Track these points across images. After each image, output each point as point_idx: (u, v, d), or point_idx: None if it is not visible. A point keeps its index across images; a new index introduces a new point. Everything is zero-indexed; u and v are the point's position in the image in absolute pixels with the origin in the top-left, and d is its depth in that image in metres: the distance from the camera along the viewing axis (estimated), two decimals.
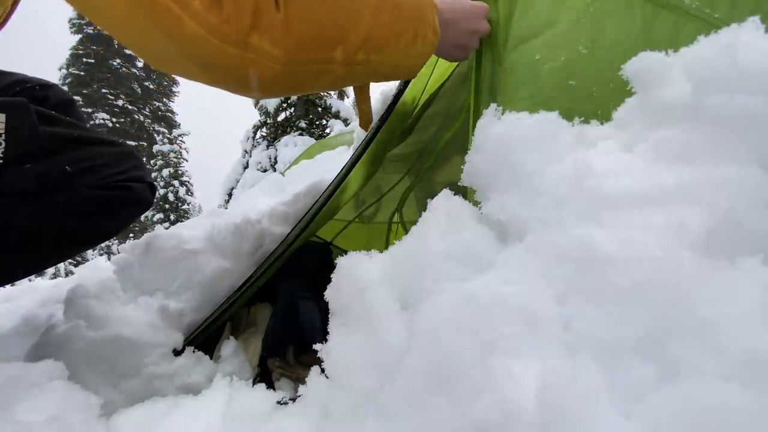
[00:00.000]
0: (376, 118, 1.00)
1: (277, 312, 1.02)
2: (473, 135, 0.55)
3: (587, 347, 0.34)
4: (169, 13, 0.50)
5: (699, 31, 0.48)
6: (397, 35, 0.68)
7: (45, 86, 0.93)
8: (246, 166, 12.10)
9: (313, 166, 1.90)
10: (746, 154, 0.38)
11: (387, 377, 0.43)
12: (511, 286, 0.39)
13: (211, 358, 1.01)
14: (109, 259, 1.21)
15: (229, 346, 1.01)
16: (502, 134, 0.50)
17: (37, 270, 0.90)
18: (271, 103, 11.98)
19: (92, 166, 0.85)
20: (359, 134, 1.09)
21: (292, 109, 12.26)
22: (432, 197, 0.55)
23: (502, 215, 0.48)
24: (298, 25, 0.57)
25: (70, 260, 9.89)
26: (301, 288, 1.03)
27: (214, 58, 0.54)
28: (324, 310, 0.74)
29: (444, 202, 0.53)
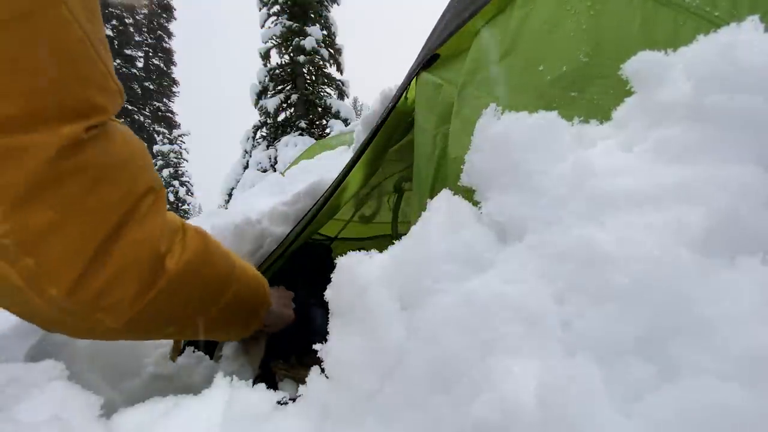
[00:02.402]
0: (376, 118, 1.00)
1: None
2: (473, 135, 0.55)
3: (587, 347, 0.34)
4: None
5: (699, 30, 0.47)
6: (231, 325, 0.84)
7: None
8: (246, 167, 12.11)
9: (313, 166, 1.90)
10: (746, 154, 0.38)
11: (387, 377, 0.43)
12: (510, 285, 0.39)
13: (211, 358, 1.01)
14: None
15: (230, 346, 1.01)
16: (501, 134, 0.50)
17: None
18: (271, 103, 11.98)
19: None
20: (359, 134, 1.09)
21: (292, 109, 12.27)
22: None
23: (502, 215, 0.48)
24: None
25: None
26: (310, 294, 1.04)
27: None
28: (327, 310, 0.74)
29: (444, 202, 0.53)
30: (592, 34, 0.60)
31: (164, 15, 25.36)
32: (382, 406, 0.42)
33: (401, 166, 1.32)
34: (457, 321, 0.39)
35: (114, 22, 22.85)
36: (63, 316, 0.56)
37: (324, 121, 12.25)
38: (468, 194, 0.54)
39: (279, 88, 12.37)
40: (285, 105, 12.17)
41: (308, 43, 11.81)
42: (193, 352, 0.98)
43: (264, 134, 12.49)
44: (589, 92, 0.58)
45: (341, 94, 12.88)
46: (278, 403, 0.53)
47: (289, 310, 0.98)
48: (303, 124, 12.02)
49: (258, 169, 11.29)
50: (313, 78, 12.57)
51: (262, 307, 0.88)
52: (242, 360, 1.00)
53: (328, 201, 1.03)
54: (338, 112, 12.07)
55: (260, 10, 12.38)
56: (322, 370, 0.49)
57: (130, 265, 0.58)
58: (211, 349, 1.04)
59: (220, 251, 0.76)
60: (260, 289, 0.86)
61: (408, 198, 1.43)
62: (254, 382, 0.55)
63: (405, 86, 0.91)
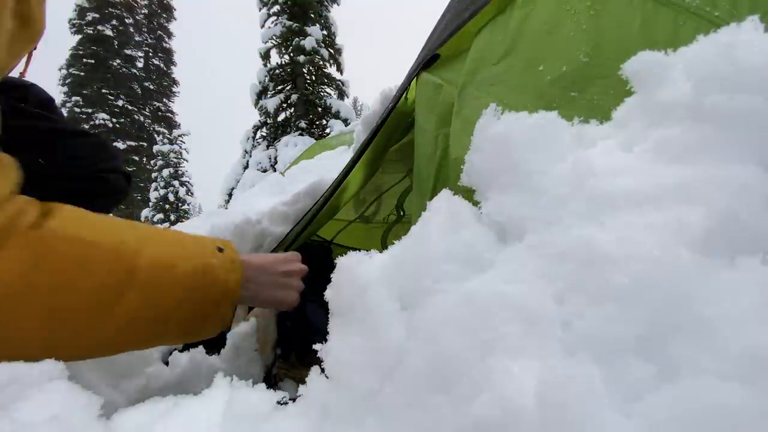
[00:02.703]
0: (376, 118, 1.00)
1: (285, 315, 1.01)
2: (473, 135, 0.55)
3: (586, 346, 0.34)
4: None
5: (699, 30, 0.47)
6: (153, 340, 0.63)
7: (23, 87, 0.92)
8: (246, 167, 12.11)
9: (313, 166, 1.90)
10: (746, 154, 0.38)
11: (387, 377, 0.43)
12: (510, 285, 0.40)
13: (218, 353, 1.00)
14: None
15: (245, 325, 0.95)
16: (501, 134, 0.50)
17: None
18: (271, 103, 11.99)
19: (67, 157, 0.84)
20: (359, 134, 1.09)
21: (292, 109, 12.27)
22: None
23: (502, 215, 0.48)
24: None
25: None
26: (304, 288, 1.03)
27: None
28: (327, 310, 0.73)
29: (444, 202, 0.53)
30: (592, 34, 0.60)
31: (164, 15, 25.37)
32: (382, 406, 0.42)
33: (401, 166, 1.32)
34: (457, 321, 0.39)
35: (114, 22, 22.85)
36: None
37: (324, 121, 12.25)
38: (468, 194, 0.54)
39: (279, 88, 12.38)
40: (285, 105, 12.18)
41: (308, 43, 11.82)
42: (187, 351, 0.98)
43: (264, 134, 12.49)
44: (589, 92, 0.58)
45: (341, 94, 12.88)
46: (278, 403, 0.53)
47: (288, 291, 0.76)
48: (303, 124, 12.03)
49: (258, 169, 11.30)
50: (313, 78, 12.57)
51: (220, 306, 0.66)
52: (243, 360, 0.97)
53: (328, 201, 1.03)
54: (338, 112, 12.08)
55: (260, 10, 12.39)
56: (322, 370, 0.49)
57: None
58: (215, 345, 1.04)
59: (88, 252, 0.56)
60: (210, 282, 0.63)
61: (408, 198, 1.43)
62: (268, 371, 0.53)
63: (405, 86, 0.91)
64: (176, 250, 0.63)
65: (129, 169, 1.09)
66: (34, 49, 0.90)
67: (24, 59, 0.85)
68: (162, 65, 25.47)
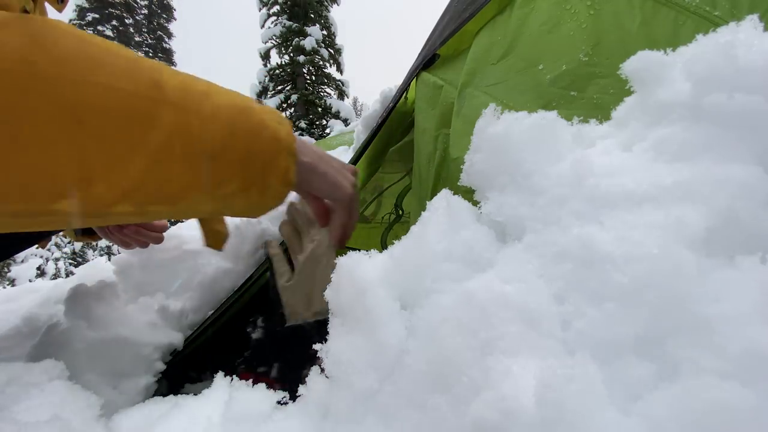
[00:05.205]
0: (376, 118, 1.00)
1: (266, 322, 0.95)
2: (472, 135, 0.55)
3: (586, 346, 0.34)
4: None
5: (699, 29, 0.48)
6: (208, 186, 0.50)
7: None
8: None
9: None
10: (745, 153, 0.38)
11: (387, 377, 0.43)
12: (510, 285, 0.40)
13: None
14: (109, 259, 1.21)
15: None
16: (501, 134, 0.50)
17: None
18: (271, 104, 11.98)
19: None
20: (359, 134, 1.09)
21: (292, 109, 12.27)
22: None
23: (502, 215, 0.48)
24: None
25: (70, 260, 9.89)
26: None
27: None
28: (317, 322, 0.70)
29: (444, 202, 0.53)
30: (591, 33, 0.60)
31: (164, 15, 25.37)
32: (382, 406, 0.42)
33: (401, 166, 1.32)
34: (456, 321, 0.39)
35: (114, 22, 22.86)
36: None
37: (324, 121, 12.25)
38: (468, 194, 0.54)
39: (279, 88, 12.39)
40: (285, 105, 12.18)
41: (308, 43, 11.82)
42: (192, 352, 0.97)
43: None
44: (589, 92, 0.58)
45: (341, 94, 12.88)
46: (278, 403, 0.53)
47: (346, 177, 0.64)
48: (303, 124, 12.03)
49: None
50: (313, 78, 12.58)
51: (278, 156, 0.54)
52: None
53: None
54: (338, 112, 12.08)
55: (260, 10, 12.40)
56: (322, 370, 0.49)
57: None
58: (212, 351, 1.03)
59: (107, 57, 0.44)
60: (258, 124, 0.52)
61: (407, 197, 1.43)
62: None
63: (405, 86, 0.91)
64: (205, 82, 0.52)
65: None
66: None
67: None
68: None
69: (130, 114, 0.44)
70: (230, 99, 0.52)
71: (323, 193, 0.63)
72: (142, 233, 0.96)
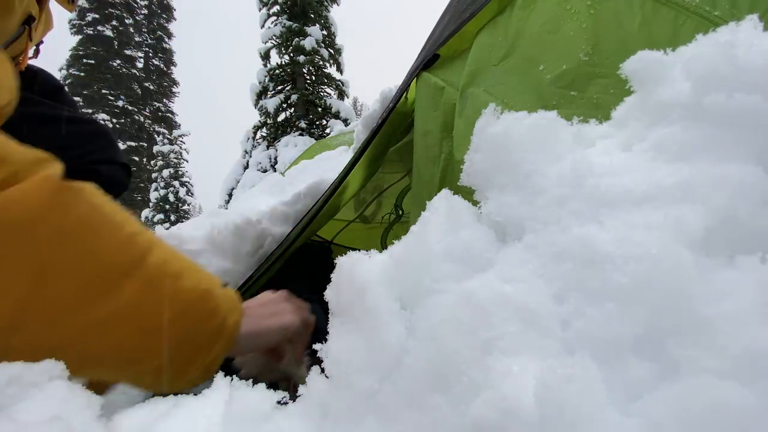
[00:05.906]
0: (376, 118, 1.00)
1: None
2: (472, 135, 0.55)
3: (586, 346, 0.34)
4: None
5: (699, 29, 0.48)
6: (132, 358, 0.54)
7: (30, 73, 0.87)
8: (246, 167, 12.12)
9: (313, 166, 1.90)
10: (745, 152, 0.38)
11: (387, 377, 0.43)
12: (510, 285, 0.40)
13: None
14: None
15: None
16: (501, 134, 0.50)
17: None
18: (271, 104, 11.99)
19: (49, 148, 0.77)
20: (359, 134, 1.09)
21: (292, 109, 12.27)
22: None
23: (502, 215, 0.48)
24: None
25: None
26: (305, 288, 1.01)
27: None
28: (327, 310, 0.71)
29: (444, 201, 0.53)
30: (592, 33, 0.60)
31: (164, 15, 25.39)
32: (382, 406, 0.42)
33: (401, 166, 1.32)
34: (456, 320, 0.39)
35: (114, 22, 22.86)
36: None
37: (324, 121, 12.26)
38: (468, 194, 0.54)
39: (279, 88, 12.39)
40: (285, 105, 12.18)
41: (308, 43, 11.82)
42: None
43: (264, 134, 12.50)
44: (589, 91, 0.58)
45: (341, 94, 12.88)
46: (278, 403, 0.53)
47: (285, 314, 0.69)
48: (303, 124, 12.03)
49: (258, 170, 11.30)
50: (313, 78, 12.58)
51: (215, 344, 0.58)
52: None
53: (328, 201, 1.03)
54: (338, 112, 12.08)
55: (260, 10, 12.40)
56: (322, 370, 0.49)
57: None
58: None
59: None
60: (211, 311, 0.57)
61: (407, 197, 1.43)
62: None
63: (405, 87, 0.91)
64: (185, 264, 0.58)
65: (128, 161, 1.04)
66: (41, 43, 0.87)
67: (32, 48, 0.81)
68: (162, 65, 25.48)
69: (94, 280, 0.50)
70: (196, 283, 0.57)
71: (271, 344, 0.69)
72: None
